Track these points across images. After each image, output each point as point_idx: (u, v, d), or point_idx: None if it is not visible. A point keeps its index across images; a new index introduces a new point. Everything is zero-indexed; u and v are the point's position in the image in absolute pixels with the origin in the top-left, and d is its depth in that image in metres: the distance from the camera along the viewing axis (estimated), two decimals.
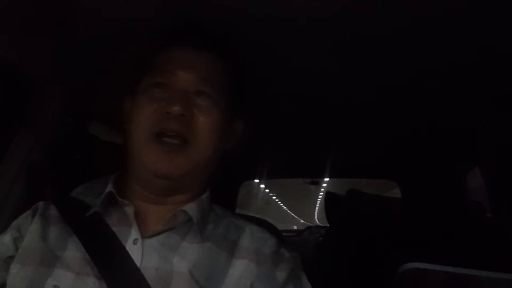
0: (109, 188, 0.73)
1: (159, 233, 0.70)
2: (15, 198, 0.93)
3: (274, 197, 18.44)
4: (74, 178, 0.89)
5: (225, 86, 0.77)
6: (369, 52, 0.88)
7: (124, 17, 0.78)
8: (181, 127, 0.70)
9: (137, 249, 0.68)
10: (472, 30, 0.79)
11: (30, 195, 0.91)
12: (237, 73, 0.81)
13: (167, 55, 0.76)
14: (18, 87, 0.94)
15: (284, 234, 0.78)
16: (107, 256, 0.67)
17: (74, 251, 0.68)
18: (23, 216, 0.76)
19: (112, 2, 0.74)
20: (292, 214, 23.51)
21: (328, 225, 1.96)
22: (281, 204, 21.45)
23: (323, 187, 8.91)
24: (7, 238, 0.73)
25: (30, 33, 0.81)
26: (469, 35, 0.80)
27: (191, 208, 0.73)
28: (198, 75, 0.73)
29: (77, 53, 0.89)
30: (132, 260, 0.67)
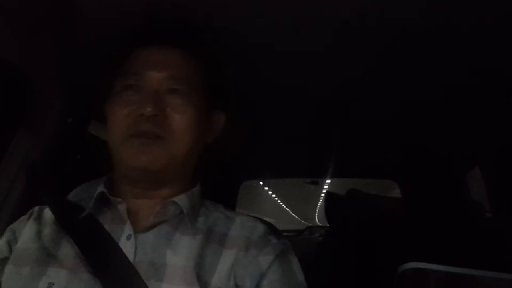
0: (100, 188, 0.75)
1: (151, 227, 0.71)
2: (15, 198, 0.93)
3: (274, 197, 18.43)
4: (74, 178, 0.89)
5: (198, 80, 0.77)
6: (369, 52, 0.88)
7: (124, 17, 0.78)
8: (155, 127, 0.71)
9: (131, 244, 0.69)
10: (473, 35, 0.79)
11: (30, 195, 0.91)
12: (212, 66, 0.81)
13: (135, 56, 0.76)
14: (18, 87, 0.94)
15: (284, 234, 0.78)
16: (100, 253, 0.68)
17: (68, 249, 0.70)
18: (18, 220, 0.78)
19: (112, 2, 0.75)
20: (293, 214, 23.51)
21: (328, 225, 1.96)
22: (282, 204, 21.45)
23: (324, 188, 8.90)
24: (1, 241, 0.74)
25: (30, 33, 0.81)
26: (471, 40, 0.81)
27: (181, 200, 0.74)
28: (167, 73, 0.74)
29: (77, 53, 0.89)
30: (125, 255, 0.68)
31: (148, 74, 0.73)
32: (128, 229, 0.71)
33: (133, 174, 0.73)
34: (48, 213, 0.77)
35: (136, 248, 0.69)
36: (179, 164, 0.75)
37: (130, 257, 0.68)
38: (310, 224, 8.14)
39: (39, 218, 0.76)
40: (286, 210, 22.76)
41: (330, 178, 2.32)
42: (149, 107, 0.70)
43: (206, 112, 0.79)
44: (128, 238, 0.70)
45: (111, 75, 0.77)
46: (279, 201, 20.46)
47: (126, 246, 0.69)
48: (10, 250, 0.73)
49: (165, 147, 0.71)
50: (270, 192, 15.91)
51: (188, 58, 0.77)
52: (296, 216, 22.51)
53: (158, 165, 0.71)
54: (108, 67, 0.78)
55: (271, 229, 0.78)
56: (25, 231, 0.74)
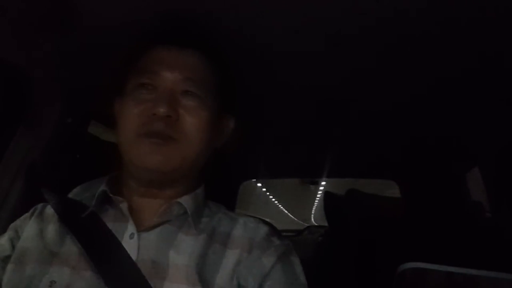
0: (103, 187, 0.75)
1: (155, 226, 0.71)
2: (15, 198, 0.93)
3: (269, 195, 18.44)
4: (74, 178, 0.89)
5: (212, 84, 0.77)
6: (369, 52, 0.88)
7: (124, 18, 0.78)
8: (167, 128, 0.70)
9: (134, 243, 0.69)
10: (473, 35, 0.79)
11: (30, 195, 0.91)
12: (225, 70, 0.81)
13: (152, 55, 0.76)
14: (18, 87, 0.94)
15: (283, 234, 0.79)
16: (103, 251, 0.68)
17: (70, 247, 0.70)
18: (21, 218, 0.78)
19: (112, 2, 0.74)
20: (289, 214, 23.52)
21: (327, 225, 1.96)
22: (278, 204, 21.46)
23: (320, 189, 8.91)
24: (4, 238, 0.74)
25: (30, 33, 0.81)
26: (470, 40, 0.81)
27: (185, 200, 0.74)
28: (183, 75, 0.73)
29: (77, 53, 0.89)
30: (127, 254, 0.68)
31: (164, 74, 0.73)
32: (131, 228, 0.71)
33: (141, 173, 0.73)
34: (50, 211, 0.77)
35: (139, 247, 0.69)
36: (189, 166, 0.75)
37: (133, 255, 0.68)
38: (308, 224, 8.14)
39: (41, 216, 0.76)
40: (282, 210, 22.77)
41: (330, 178, 2.32)
42: (162, 107, 0.69)
43: (218, 116, 0.79)
44: (131, 236, 0.70)
45: (121, 73, 0.76)
46: (275, 200, 20.47)
47: (129, 245, 0.69)
48: (13, 248, 0.72)
49: (176, 148, 0.71)
50: (264, 190, 15.91)
51: (205, 61, 0.77)
52: (292, 216, 22.53)
53: (168, 166, 0.71)
54: (119, 65, 0.77)
55: (274, 230, 0.78)
56: (28, 229, 0.74)
